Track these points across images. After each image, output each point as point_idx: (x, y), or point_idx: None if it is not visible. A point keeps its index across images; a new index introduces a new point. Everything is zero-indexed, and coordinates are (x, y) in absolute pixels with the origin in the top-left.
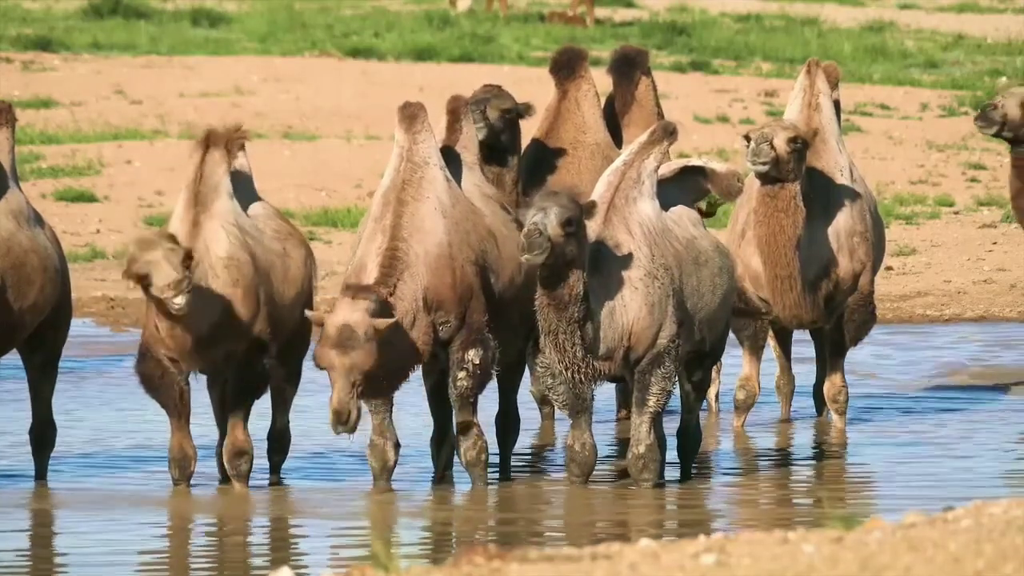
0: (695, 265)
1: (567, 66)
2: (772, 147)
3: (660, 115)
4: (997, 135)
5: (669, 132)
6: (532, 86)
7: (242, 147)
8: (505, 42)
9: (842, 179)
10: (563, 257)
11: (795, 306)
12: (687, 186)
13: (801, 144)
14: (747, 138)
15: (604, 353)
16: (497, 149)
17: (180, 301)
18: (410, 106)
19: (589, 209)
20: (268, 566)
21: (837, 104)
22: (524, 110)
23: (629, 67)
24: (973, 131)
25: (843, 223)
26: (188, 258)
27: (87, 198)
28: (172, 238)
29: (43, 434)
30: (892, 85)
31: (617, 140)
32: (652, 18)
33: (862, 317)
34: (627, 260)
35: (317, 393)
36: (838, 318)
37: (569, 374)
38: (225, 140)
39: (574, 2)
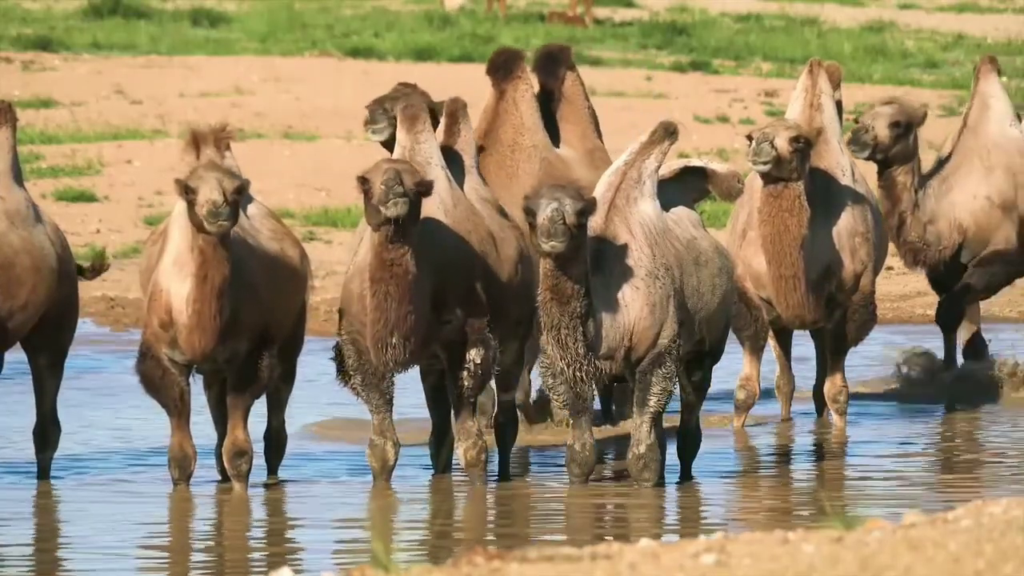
0: (695, 265)
1: (504, 67)
2: (773, 146)
3: (591, 108)
4: (870, 158)
5: (670, 132)
6: None
7: (228, 146)
8: (505, 42)
9: (844, 179)
10: (574, 248)
11: (798, 306)
12: (687, 186)
13: (804, 143)
14: (749, 138)
15: (605, 352)
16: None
17: (218, 224)
18: (411, 107)
19: (590, 205)
20: (268, 566)
21: (839, 104)
22: (437, 110)
23: (554, 64)
24: None
25: (844, 223)
26: (238, 190)
27: (87, 198)
28: (230, 172)
29: (46, 434)
30: (892, 85)
31: (554, 139)
32: (652, 18)
33: (863, 317)
34: (628, 260)
35: (313, 394)
36: (839, 318)
37: (571, 372)
38: (213, 138)
39: (573, 2)
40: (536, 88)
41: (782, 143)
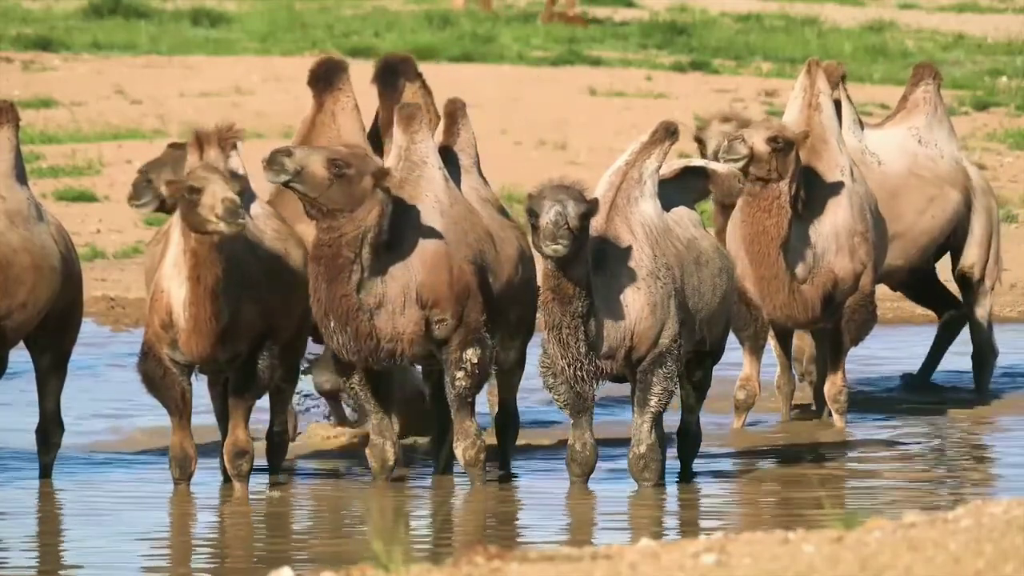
0: (696, 265)
1: (324, 78)
2: (747, 145)
3: (437, 116)
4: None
5: (670, 132)
6: (532, 86)
7: (235, 146)
8: (505, 42)
9: (842, 178)
10: (576, 250)
11: (785, 306)
12: (688, 186)
13: (783, 144)
14: (698, 140)
15: (607, 352)
16: None
17: (237, 223)
18: (408, 106)
19: (593, 206)
20: (268, 566)
21: (838, 104)
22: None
23: (393, 76)
24: (973, 131)
25: (843, 222)
26: (241, 192)
27: (87, 198)
28: (231, 172)
29: (49, 433)
30: (892, 85)
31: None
32: (652, 18)
33: (863, 317)
34: (630, 260)
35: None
36: (839, 318)
37: (572, 371)
38: (217, 139)
39: (570, 1)
40: (378, 98)
41: (759, 142)
